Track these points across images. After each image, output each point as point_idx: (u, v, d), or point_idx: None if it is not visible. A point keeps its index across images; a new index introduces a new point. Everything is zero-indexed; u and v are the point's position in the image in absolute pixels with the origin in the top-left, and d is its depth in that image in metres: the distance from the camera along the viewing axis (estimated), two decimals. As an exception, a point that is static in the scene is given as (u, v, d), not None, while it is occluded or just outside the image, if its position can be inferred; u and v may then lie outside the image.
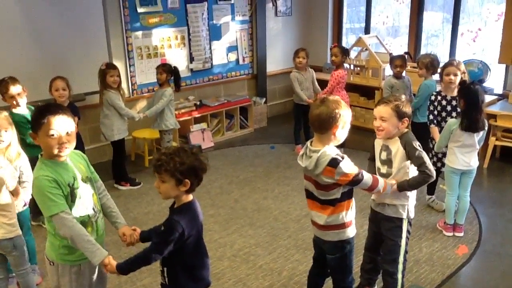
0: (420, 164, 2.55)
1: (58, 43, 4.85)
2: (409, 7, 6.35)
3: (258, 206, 4.36)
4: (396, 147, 2.60)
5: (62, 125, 2.07)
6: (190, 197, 2.13)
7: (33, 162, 2.38)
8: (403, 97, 2.62)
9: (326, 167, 2.27)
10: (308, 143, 2.40)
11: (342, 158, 2.29)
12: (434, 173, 2.57)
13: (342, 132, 2.33)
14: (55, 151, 2.07)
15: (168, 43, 5.84)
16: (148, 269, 3.17)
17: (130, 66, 5.55)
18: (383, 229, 2.75)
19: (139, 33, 5.56)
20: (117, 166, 4.81)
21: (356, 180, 2.32)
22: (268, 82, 7.01)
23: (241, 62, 6.70)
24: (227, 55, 6.52)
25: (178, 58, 5.91)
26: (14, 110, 3.68)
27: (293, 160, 5.34)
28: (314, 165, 2.29)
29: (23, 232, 3.08)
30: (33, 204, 2.66)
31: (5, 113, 2.89)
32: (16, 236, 2.77)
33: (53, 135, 2.05)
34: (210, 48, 6.27)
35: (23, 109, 3.73)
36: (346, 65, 5.86)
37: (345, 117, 2.30)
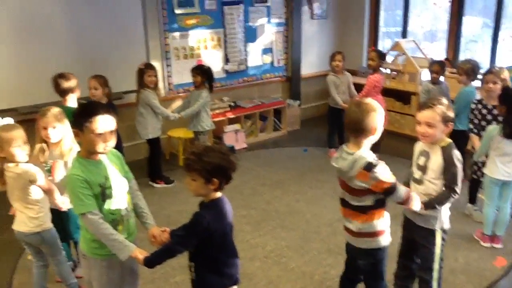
0: (452, 181, 2.50)
1: (98, 43, 4.99)
2: (448, 11, 6.23)
3: (290, 208, 4.36)
4: (436, 156, 2.54)
5: (108, 124, 2.14)
6: (218, 194, 2.16)
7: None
8: (445, 100, 2.57)
9: (360, 170, 2.26)
10: (344, 146, 2.41)
11: (379, 163, 2.27)
12: (459, 193, 2.53)
13: (375, 135, 2.33)
14: (100, 149, 2.14)
15: (204, 44, 5.92)
16: (182, 266, 3.23)
17: (167, 66, 5.65)
18: (417, 237, 2.71)
19: (177, 34, 5.65)
20: (152, 164, 4.89)
21: (389, 190, 2.29)
22: (302, 85, 7.00)
23: (276, 64, 6.73)
24: (262, 57, 6.55)
25: (213, 59, 5.98)
26: (66, 105, 3.77)
27: (326, 163, 5.30)
28: (349, 167, 2.29)
29: (71, 230, 3.12)
30: None
31: (55, 110, 2.91)
32: (44, 230, 2.81)
33: (100, 133, 2.11)
34: (246, 49, 6.32)
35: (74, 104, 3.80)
36: (382, 69, 5.79)
37: (379, 120, 2.31)
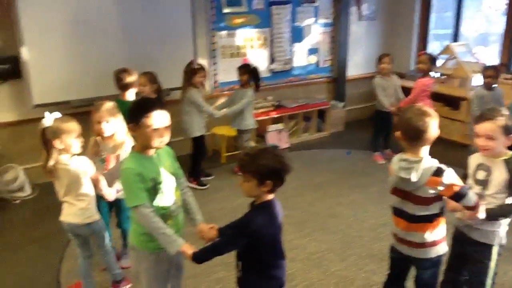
0: None
1: (148, 41, 5.09)
2: (504, 14, 5.99)
3: (331, 211, 4.32)
4: (499, 170, 2.42)
5: (163, 119, 2.19)
6: (270, 196, 2.15)
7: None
8: (505, 110, 2.45)
9: (431, 177, 2.20)
10: (401, 154, 2.34)
11: (447, 168, 2.22)
12: None
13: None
14: (156, 144, 2.18)
15: (250, 43, 5.94)
16: (224, 263, 3.26)
17: (213, 64, 5.71)
18: (470, 251, 2.59)
19: (224, 32, 5.70)
20: (194, 161, 4.95)
21: (460, 193, 2.21)
22: (347, 86, 6.91)
23: (321, 65, 6.68)
24: (307, 57, 6.52)
25: (259, 58, 6.00)
26: (122, 99, 3.88)
27: (369, 167, 5.23)
28: (420, 176, 2.22)
29: (122, 219, 3.26)
30: None
31: (109, 104, 3.00)
32: (94, 222, 2.91)
33: (156, 128, 2.15)
34: (291, 49, 6.30)
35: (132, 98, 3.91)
36: (431, 73, 5.63)
37: (437, 126, 2.27)
